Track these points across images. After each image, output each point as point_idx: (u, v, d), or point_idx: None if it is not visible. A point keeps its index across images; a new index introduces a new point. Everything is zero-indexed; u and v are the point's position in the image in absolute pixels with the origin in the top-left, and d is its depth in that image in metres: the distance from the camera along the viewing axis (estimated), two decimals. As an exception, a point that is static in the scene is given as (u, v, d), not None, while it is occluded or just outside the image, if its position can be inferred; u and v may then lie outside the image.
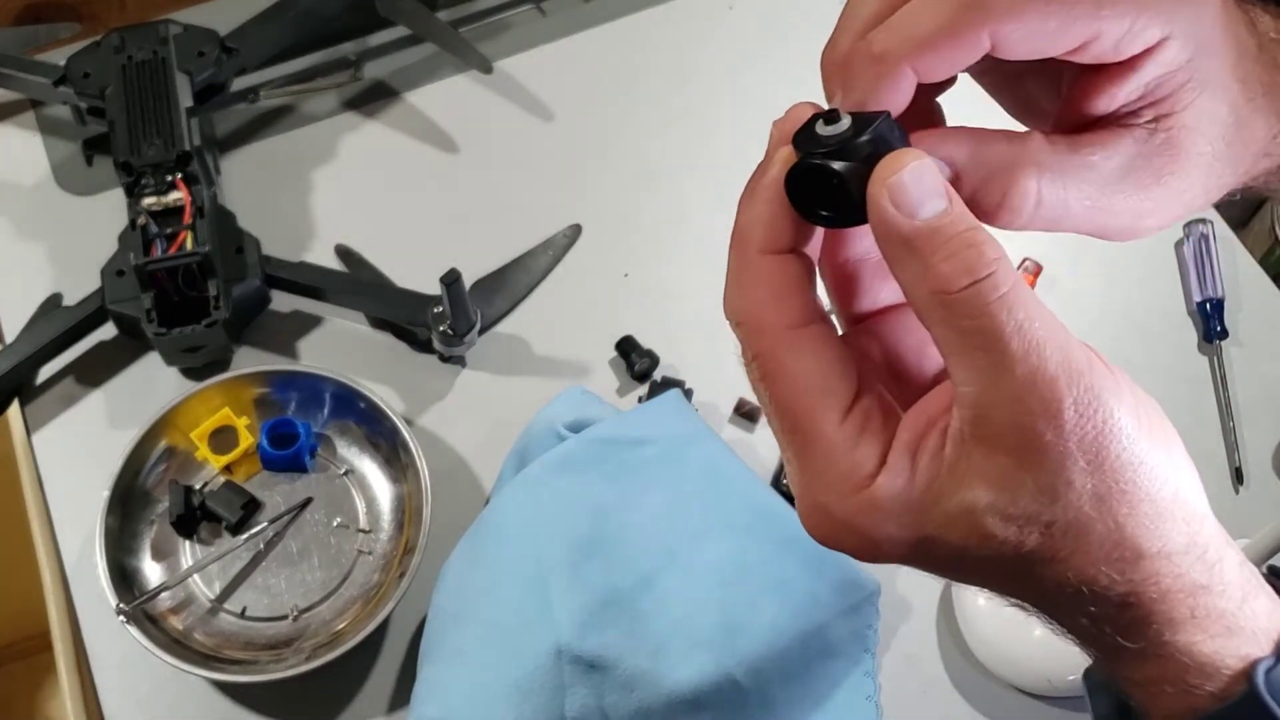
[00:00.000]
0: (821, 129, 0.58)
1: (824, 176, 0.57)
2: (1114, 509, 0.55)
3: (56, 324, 1.28)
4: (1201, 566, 0.59)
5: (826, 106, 0.60)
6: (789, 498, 1.22)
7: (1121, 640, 0.58)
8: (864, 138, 0.56)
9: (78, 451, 1.28)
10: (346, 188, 1.44)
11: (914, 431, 0.58)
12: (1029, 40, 0.57)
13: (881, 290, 0.65)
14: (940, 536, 0.57)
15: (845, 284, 0.65)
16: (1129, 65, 0.60)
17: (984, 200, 0.59)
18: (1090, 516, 0.55)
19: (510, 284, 1.37)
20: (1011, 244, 1.40)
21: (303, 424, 1.23)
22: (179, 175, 1.29)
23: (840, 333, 0.64)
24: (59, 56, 1.39)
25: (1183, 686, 0.58)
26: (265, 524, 1.21)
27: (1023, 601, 0.59)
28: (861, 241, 0.64)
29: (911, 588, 1.23)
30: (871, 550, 0.59)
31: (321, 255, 1.38)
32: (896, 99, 0.59)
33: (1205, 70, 0.61)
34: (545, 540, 1.12)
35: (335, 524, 1.22)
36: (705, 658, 1.09)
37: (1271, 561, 1.06)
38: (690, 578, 1.12)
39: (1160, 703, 0.59)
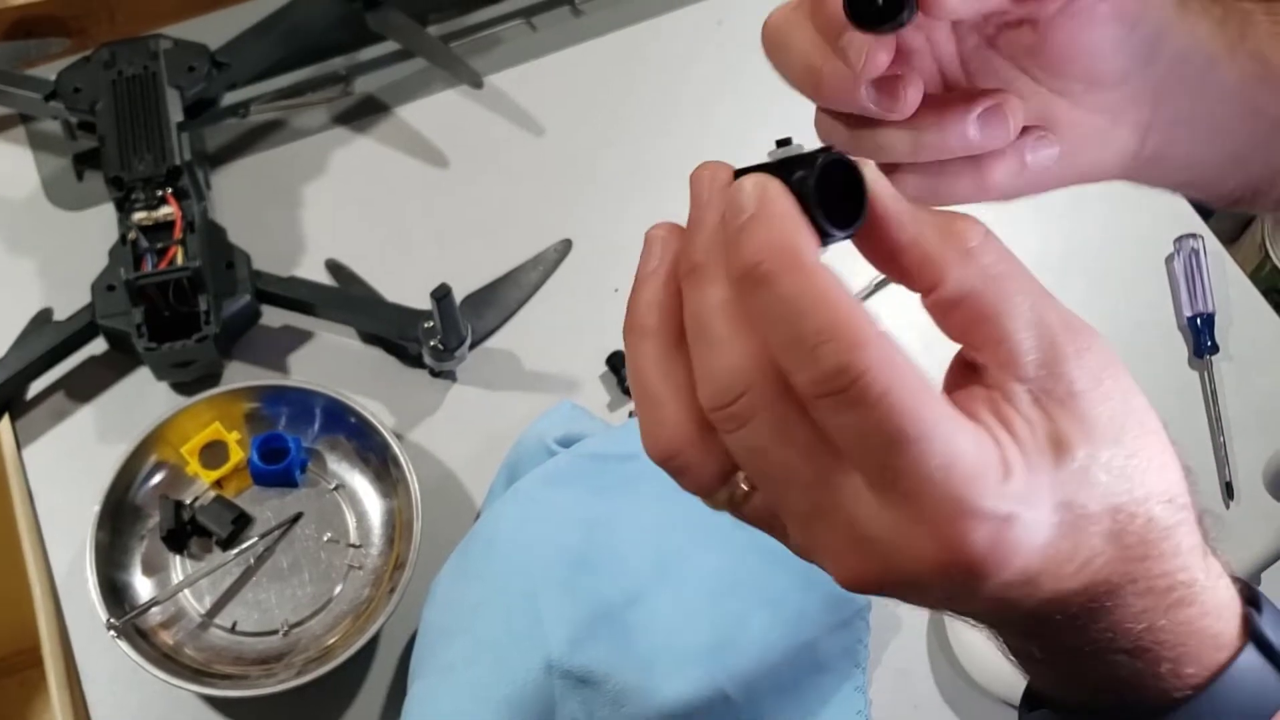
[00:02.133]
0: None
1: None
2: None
3: (47, 338, 1.28)
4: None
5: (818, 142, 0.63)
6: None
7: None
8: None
9: (68, 466, 1.28)
10: (337, 202, 1.44)
11: (998, 410, 0.55)
12: None
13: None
14: (1086, 479, 0.55)
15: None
16: None
17: None
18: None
19: (501, 299, 1.37)
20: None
21: (293, 439, 1.23)
22: (169, 190, 1.29)
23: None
24: (49, 71, 1.40)
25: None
26: (256, 539, 1.21)
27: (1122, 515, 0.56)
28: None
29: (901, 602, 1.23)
30: (1060, 538, 0.54)
31: (312, 270, 1.38)
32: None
33: None
34: (536, 555, 1.12)
35: (325, 539, 1.22)
36: (696, 672, 1.09)
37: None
38: (680, 592, 1.12)
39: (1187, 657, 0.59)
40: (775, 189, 0.54)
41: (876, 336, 0.52)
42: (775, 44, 0.66)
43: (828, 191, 0.55)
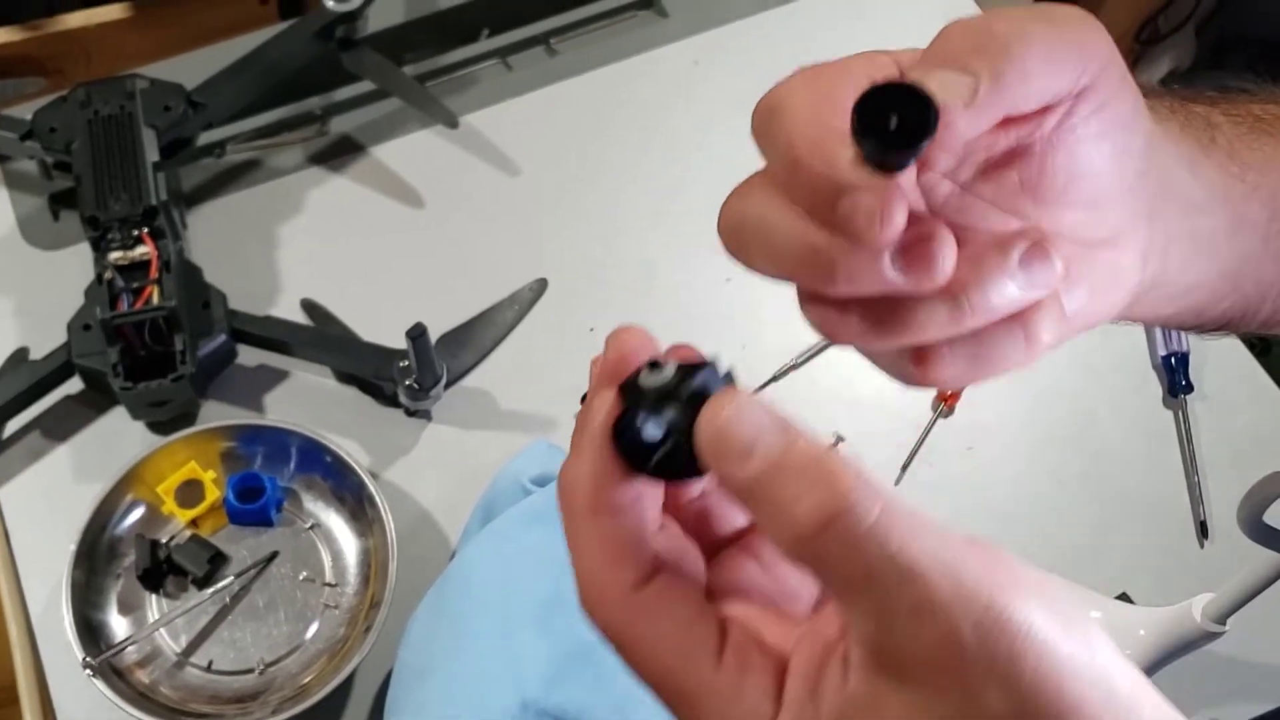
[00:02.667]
0: (646, 378, 0.55)
1: (644, 427, 0.54)
2: None
3: (23, 378, 1.28)
4: None
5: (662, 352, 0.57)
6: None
7: None
8: (686, 385, 0.54)
9: (44, 505, 1.28)
10: (312, 242, 1.44)
11: (810, 661, 0.52)
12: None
13: (738, 514, 0.61)
14: None
15: (698, 521, 0.60)
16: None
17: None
18: None
19: (476, 338, 1.37)
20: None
21: (269, 478, 1.24)
22: (145, 230, 1.29)
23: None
24: (25, 111, 1.40)
25: None
26: (231, 578, 1.21)
27: None
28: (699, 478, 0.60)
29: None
30: None
31: (287, 310, 1.38)
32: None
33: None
34: (512, 595, 1.12)
35: (301, 578, 1.23)
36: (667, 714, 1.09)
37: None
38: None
39: None
40: (592, 431, 0.56)
41: (616, 601, 0.55)
42: (748, 235, 0.55)
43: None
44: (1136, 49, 2.54)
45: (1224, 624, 1.07)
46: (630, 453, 0.54)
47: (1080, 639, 0.48)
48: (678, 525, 0.60)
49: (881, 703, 0.48)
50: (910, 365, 0.56)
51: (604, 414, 0.56)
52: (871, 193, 0.49)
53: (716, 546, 0.60)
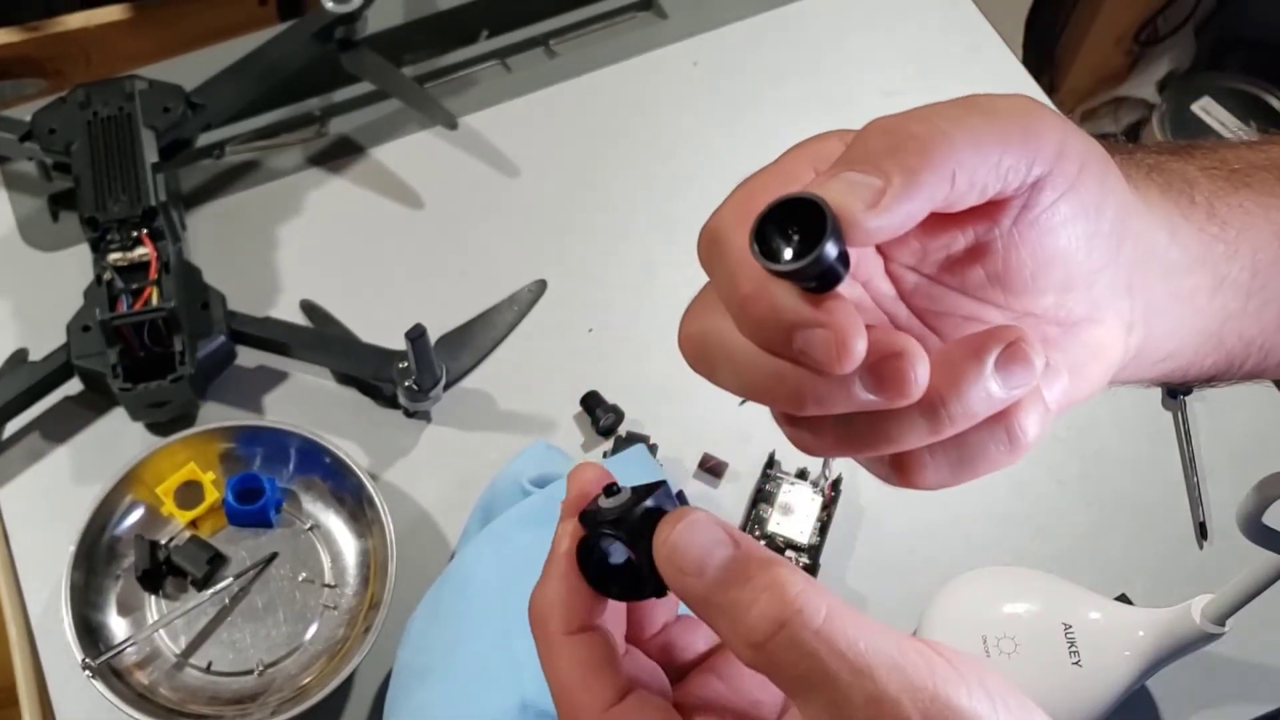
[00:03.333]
0: (603, 502, 0.58)
1: (606, 550, 0.58)
2: None
3: (22, 379, 1.28)
4: None
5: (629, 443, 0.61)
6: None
7: None
8: (640, 507, 0.56)
9: (43, 506, 1.28)
10: (312, 243, 1.44)
11: None
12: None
13: (699, 638, 0.65)
14: None
15: (662, 652, 0.64)
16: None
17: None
18: None
19: (475, 339, 1.37)
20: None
21: (268, 479, 1.24)
22: (144, 231, 1.29)
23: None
24: (25, 112, 1.40)
25: None
26: (231, 579, 1.21)
27: None
28: (659, 610, 0.64)
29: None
30: None
31: (287, 311, 1.39)
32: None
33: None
34: (510, 597, 1.12)
35: (300, 579, 1.23)
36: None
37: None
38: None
39: None
40: (557, 558, 0.60)
41: (600, 714, 0.57)
42: (711, 356, 0.56)
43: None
44: (1135, 50, 2.54)
45: (1223, 625, 1.07)
46: (595, 575, 0.58)
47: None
48: (641, 654, 0.63)
49: None
50: (891, 472, 0.55)
51: (567, 541, 0.59)
52: (826, 326, 0.49)
53: (681, 672, 0.63)
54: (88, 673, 1.12)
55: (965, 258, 0.57)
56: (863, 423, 0.53)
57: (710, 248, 0.57)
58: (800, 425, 0.54)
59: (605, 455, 1.29)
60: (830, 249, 0.48)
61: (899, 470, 0.55)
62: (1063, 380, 0.56)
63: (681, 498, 0.57)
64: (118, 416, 1.31)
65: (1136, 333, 0.62)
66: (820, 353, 0.49)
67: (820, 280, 0.49)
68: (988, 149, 0.52)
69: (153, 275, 1.27)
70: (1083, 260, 0.57)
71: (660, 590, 0.56)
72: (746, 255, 0.50)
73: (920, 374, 0.51)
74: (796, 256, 0.48)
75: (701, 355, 0.56)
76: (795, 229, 0.48)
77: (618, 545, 0.57)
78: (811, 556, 1.24)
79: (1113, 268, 0.59)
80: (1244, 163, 0.69)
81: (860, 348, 0.49)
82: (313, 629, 1.21)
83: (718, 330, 0.54)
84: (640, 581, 0.56)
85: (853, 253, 0.49)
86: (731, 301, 0.53)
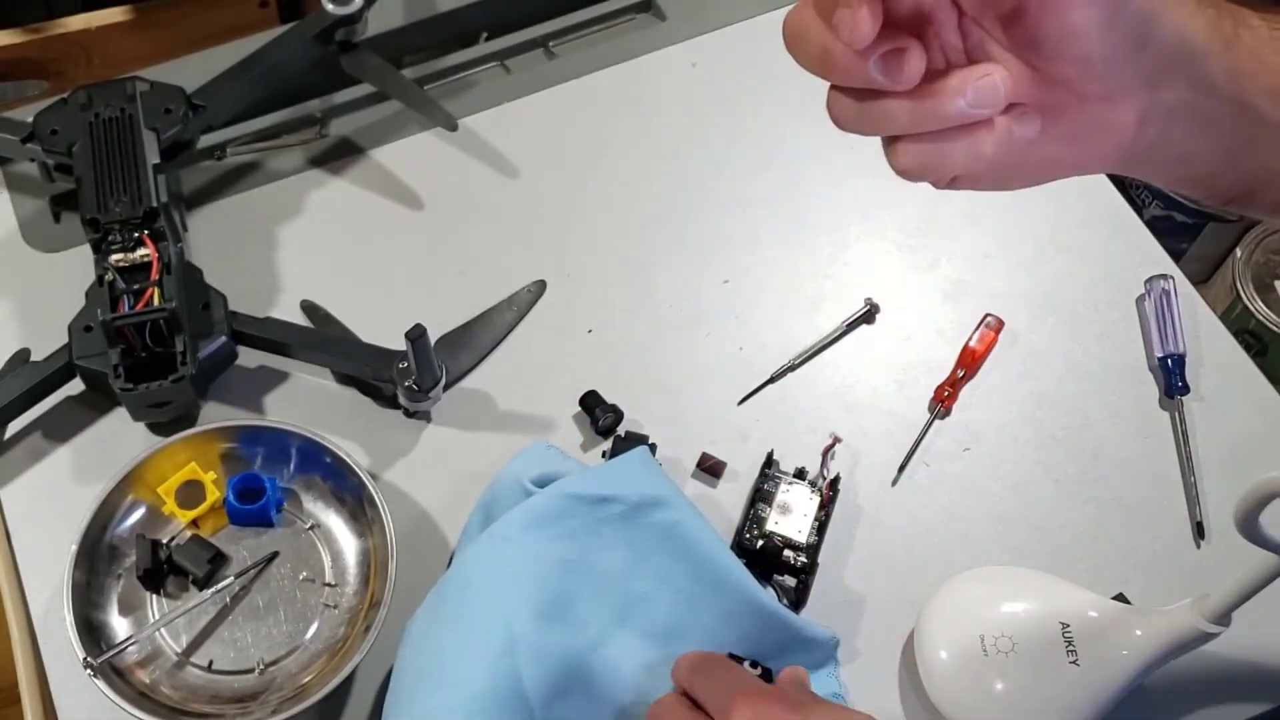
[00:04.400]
0: None
1: None
2: None
3: (24, 379, 1.28)
4: None
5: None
6: (749, 554, 1.23)
7: None
8: None
9: (45, 506, 1.28)
10: (312, 244, 1.45)
11: None
12: None
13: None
14: None
15: None
16: None
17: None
18: None
19: (475, 339, 1.38)
20: (973, 299, 1.42)
21: (269, 479, 1.24)
22: (146, 231, 1.30)
23: None
24: (26, 114, 1.40)
25: None
26: (231, 578, 1.21)
27: None
28: None
29: (872, 639, 1.24)
30: None
31: (287, 311, 1.39)
32: None
33: None
34: (512, 602, 1.12)
35: (301, 578, 1.23)
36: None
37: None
38: (635, 640, 1.13)
39: None
40: None
41: None
42: (794, 37, 0.71)
43: None
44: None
45: (1221, 624, 1.08)
46: None
47: None
48: None
49: None
50: (886, 149, 0.73)
51: None
52: (849, 9, 0.65)
53: None
54: (89, 671, 1.13)
55: (1010, 17, 0.69)
56: (869, 99, 0.70)
57: None
58: (837, 93, 0.72)
59: (604, 455, 1.30)
60: None
61: (888, 150, 0.73)
62: (1033, 124, 0.71)
63: None
64: (119, 416, 1.31)
65: (1154, 127, 0.74)
66: (844, 29, 0.65)
67: None
68: None
69: (154, 276, 1.28)
70: (1098, 41, 0.69)
71: None
72: None
73: (914, 65, 0.68)
74: None
75: (794, 35, 0.71)
76: None
77: None
78: (809, 556, 1.24)
79: (1135, 61, 0.70)
80: None
81: (865, 28, 0.65)
82: (313, 628, 1.21)
83: (800, 22, 0.70)
84: None
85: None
86: None
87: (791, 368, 1.38)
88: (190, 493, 1.24)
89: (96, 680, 1.12)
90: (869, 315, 1.41)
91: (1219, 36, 0.73)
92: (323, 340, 1.35)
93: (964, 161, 0.71)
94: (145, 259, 1.28)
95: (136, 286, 1.27)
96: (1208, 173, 0.79)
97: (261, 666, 1.19)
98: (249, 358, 1.36)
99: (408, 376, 1.28)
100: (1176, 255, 1.49)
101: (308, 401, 1.35)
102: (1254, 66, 0.74)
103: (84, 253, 1.33)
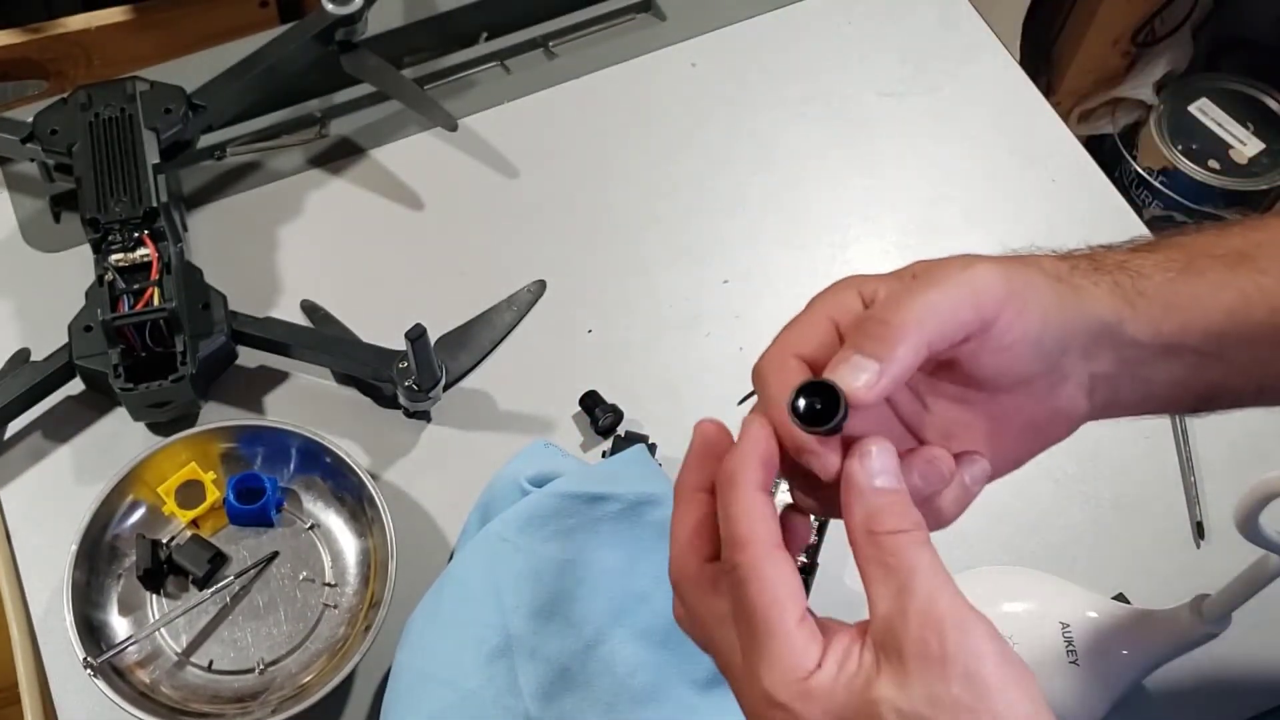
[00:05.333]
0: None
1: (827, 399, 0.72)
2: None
3: (24, 379, 1.28)
4: None
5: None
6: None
7: None
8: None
9: (45, 506, 1.28)
10: (312, 244, 1.45)
11: (845, 642, 0.71)
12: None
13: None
14: None
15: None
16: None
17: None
18: None
19: (475, 339, 1.38)
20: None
21: (269, 479, 1.24)
22: (146, 231, 1.30)
23: None
24: (26, 114, 1.40)
25: None
26: (232, 578, 1.21)
27: None
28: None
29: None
30: None
31: (287, 311, 1.39)
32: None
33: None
34: (509, 602, 1.12)
35: (301, 578, 1.23)
36: (653, 716, 1.10)
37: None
38: (632, 638, 1.13)
39: None
40: (751, 430, 0.76)
41: (759, 545, 0.72)
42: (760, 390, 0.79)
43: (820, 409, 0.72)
44: (1133, 51, 2.54)
45: (1221, 624, 1.08)
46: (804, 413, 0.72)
47: (1026, 685, 0.68)
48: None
49: (879, 671, 0.68)
50: None
51: (751, 426, 0.76)
52: (816, 454, 0.74)
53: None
54: (89, 671, 1.13)
55: (943, 369, 0.80)
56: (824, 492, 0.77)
57: (757, 382, 0.79)
58: (798, 490, 0.80)
59: (604, 455, 1.30)
60: (839, 421, 0.71)
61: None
62: (982, 467, 0.82)
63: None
64: (119, 416, 1.32)
65: (1100, 390, 0.83)
66: (816, 466, 0.74)
67: (828, 433, 0.73)
68: (946, 321, 0.74)
69: (154, 276, 1.28)
70: (1031, 362, 0.78)
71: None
72: (780, 394, 0.75)
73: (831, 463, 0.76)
74: (819, 421, 0.72)
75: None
76: (818, 399, 0.72)
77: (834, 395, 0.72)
78: (810, 555, 1.24)
79: (1065, 353, 0.80)
80: (1202, 253, 0.86)
81: (833, 464, 0.74)
82: (313, 628, 1.21)
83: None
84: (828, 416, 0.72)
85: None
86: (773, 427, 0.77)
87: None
88: (190, 493, 1.24)
89: (96, 680, 1.12)
90: (869, 315, 1.41)
91: (1123, 298, 0.82)
92: (323, 340, 1.35)
93: (935, 521, 0.80)
94: (145, 259, 1.28)
95: (136, 286, 1.27)
96: (1167, 401, 0.88)
97: (261, 666, 1.19)
98: (249, 358, 1.36)
99: (408, 376, 1.28)
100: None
101: (308, 401, 1.35)
102: (1158, 311, 0.82)
103: (84, 253, 1.33)
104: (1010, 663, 0.67)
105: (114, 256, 1.28)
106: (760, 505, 0.73)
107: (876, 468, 0.73)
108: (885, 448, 0.74)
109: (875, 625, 0.70)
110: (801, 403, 0.72)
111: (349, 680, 1.19)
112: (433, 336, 1.26)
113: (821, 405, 0.72)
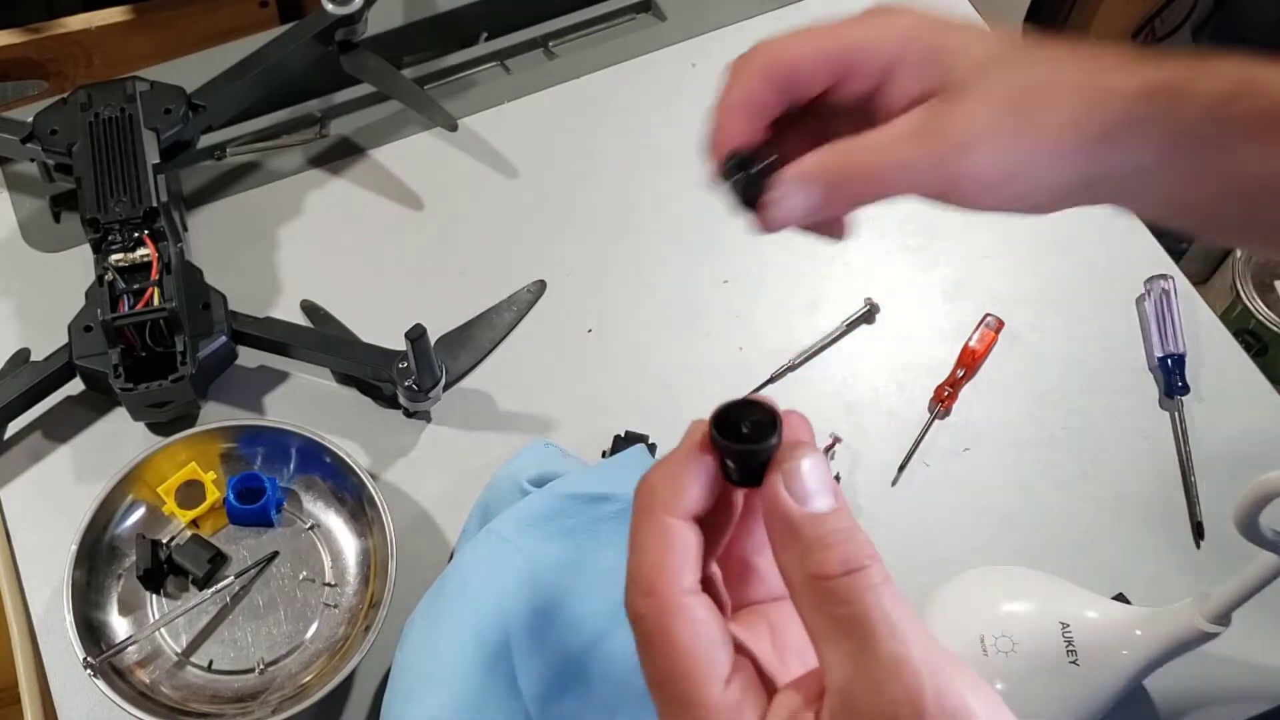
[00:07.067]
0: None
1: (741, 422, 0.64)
2: None
3: (24, 379, 1.28)
4: None
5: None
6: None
7: None
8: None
9: (45, 506, 1.28)
10: (312, 244, 1.45)
11: (789, 709, 0.60)
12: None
13: (777, 582, 0.67)
14: None
15: (741, 573, 0.71)
16: None
17: None
18: None
19: (475, 339, 1.38)
20: (973, 299, 1.41)
21: (269, 479, 1.24)
22: (146, 231, 1.30)
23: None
24: (26, 114, 1.40)
25: None
26: (232, 578, 1.21)
27: None
28: (756, 538, 0.70)
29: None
30: None
31: (287, 311, 1.39)
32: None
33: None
34: (508, 602, 1.12)
35: (301, 578, 1.23)
36: (650, 715, 1.10)
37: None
38: (632, 638, 1.14)
39: None
40: (678, 448, 0.66)
41: (667, 590, 0.62)
42: None
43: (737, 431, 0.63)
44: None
45: (1220, 624, 1.08)
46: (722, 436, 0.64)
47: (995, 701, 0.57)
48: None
49: None
50: None
51: (701, 431, 0.66)
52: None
53: (743, 604, 0.71)
54: (89, 671, 1.13)
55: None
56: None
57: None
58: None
59: (604, 455, 1.30)
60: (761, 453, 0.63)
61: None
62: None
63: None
64: (119, 416, 1.32)
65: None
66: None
67: (742, 472, 0.64)
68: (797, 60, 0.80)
69: (154, 276, 1.28)
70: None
71: (757, 484, 0.63)
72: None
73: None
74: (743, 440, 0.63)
75: None
76: (747, 422, 0.63)
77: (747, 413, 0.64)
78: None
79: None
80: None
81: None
82: (313, 627, 1.21)
83: None
84: (749, 475, 0.64)
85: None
86: None
87: (791, 368, 1.38)
88: (190, 493, 1.24)
89: (96, 680, 1.12)
90: (869, 315, 1.41)
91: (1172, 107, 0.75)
92: (323, 340, 1.35)
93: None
94: (145, 259, 1.28)
95: (136, 286, 1.27)
96: (1179, 188, 0.79)
97: (261, 666, 1.19)
98: (249, 358, 1.36)
99: (408, 376, 1.28)
100: (1176, 255, 1.49)
101: (308, 401, 1.35)
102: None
103: (84, 253, 1.34)
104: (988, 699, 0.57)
105: (114, 256, 1.28)
106: (670, 535, 0.64)
107: (811, 487, 0.61)
108: (815, 457, 0.62)
109: (831, 696, 0.58)
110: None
111: (349, 680, 1.19)
112: (433, 336, 1.26)
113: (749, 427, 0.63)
